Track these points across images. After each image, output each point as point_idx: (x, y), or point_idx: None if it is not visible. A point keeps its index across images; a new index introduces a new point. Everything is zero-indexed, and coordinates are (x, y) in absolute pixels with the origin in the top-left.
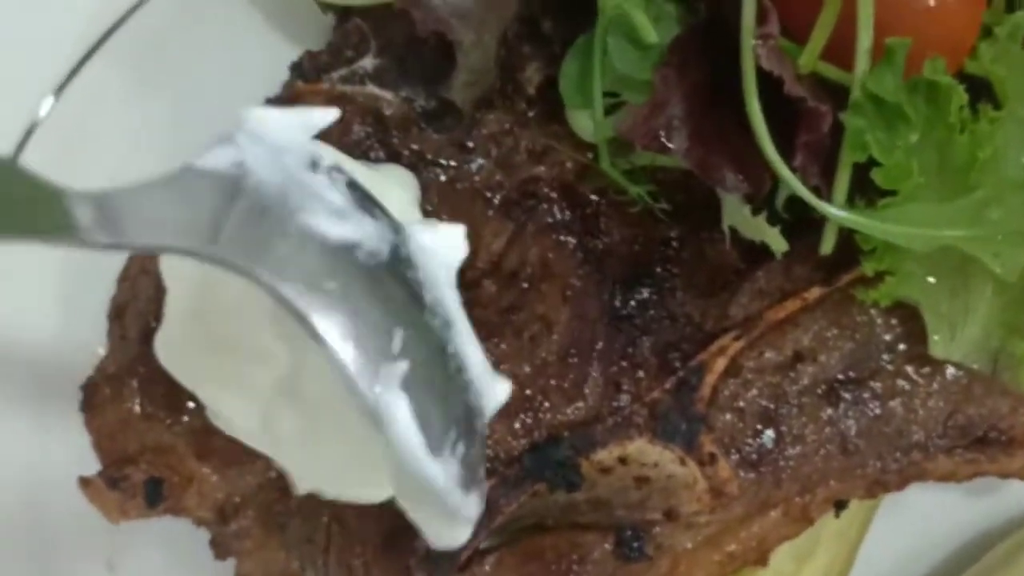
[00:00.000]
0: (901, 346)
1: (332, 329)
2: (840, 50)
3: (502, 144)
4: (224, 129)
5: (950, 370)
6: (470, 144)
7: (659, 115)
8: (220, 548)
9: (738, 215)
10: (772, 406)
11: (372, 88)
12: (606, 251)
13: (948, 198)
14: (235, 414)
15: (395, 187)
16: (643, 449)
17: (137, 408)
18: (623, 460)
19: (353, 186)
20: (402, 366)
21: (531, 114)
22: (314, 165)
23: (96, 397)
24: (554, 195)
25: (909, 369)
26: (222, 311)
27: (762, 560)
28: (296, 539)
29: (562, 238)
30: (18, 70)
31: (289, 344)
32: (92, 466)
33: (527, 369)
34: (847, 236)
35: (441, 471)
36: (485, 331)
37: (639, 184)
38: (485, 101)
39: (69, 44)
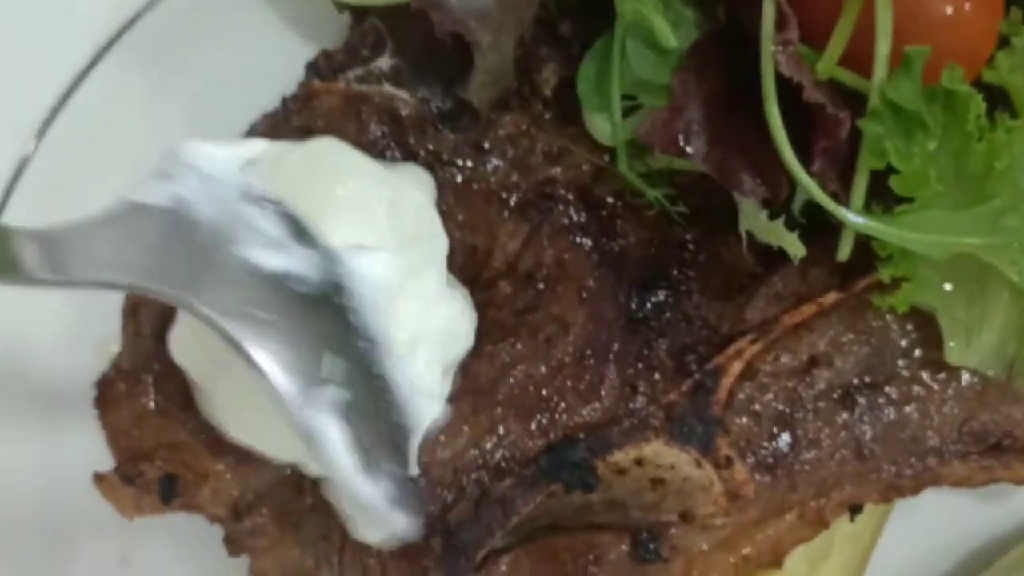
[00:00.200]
0: (916, 352)
1: (265, 357)
2: (857, 57)
3: (518, 145)
4: (160, 164)
5: (965, 376)
6: (486, 145)
7: (678, 119)
8: (234, 545)
9: (755, 219)
10: (788, 410)
11: (388, 88)
12: (622, 253)
13: (965, 206)
14: (243, 412)
15: (412, 187)
16: (659, 451)
17: (152, 405)
18: (639, 462)
19: (286, 215)
20: (331, 391)
21: (547, 116)
22: (246, 195)
23: (110, 393)
24: (570, 197)
25: (924, 375)
26: None
27: (777, 563)
28: (311, 537)
29: (578, 240)
30: (33, 69)
31: None
32: (105, 462)
33: (543, 370)
34: (863, 242)
35: (371, 488)
36: (501, 332)
37: (656, 187)
38: (501, 102)
39: (85, 43)
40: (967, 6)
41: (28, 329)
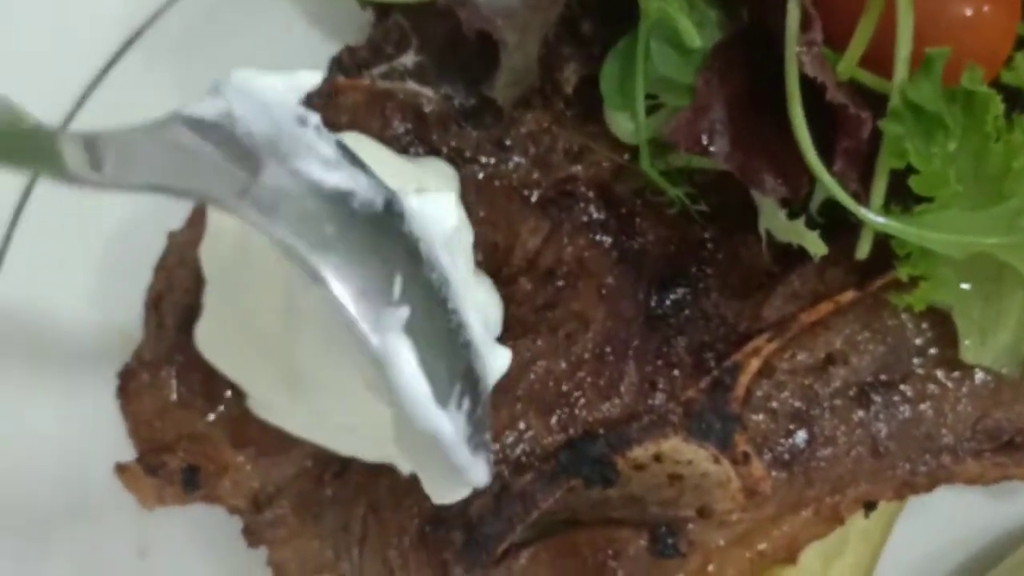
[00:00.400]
0: (931, 350)
1: (331, 271)
2: (876, 58)
3: (540, 143)
4: (211, 85)
5: (979, 375)
6: (508, 142)
7: (702, 119)
8: (253, 536)
9: (775, 219)
10: (804, 407)
11: (412, 85)
12: (641, 251)
13: (982, 206)
14: (275, 401)
15: (436, 180)
16: (678, 447)
17: (174, 396)
18: (658, 458)
19: (342, 146)
20: (404, 311)
21: (568, 114)
22: (302, 121)
23: (133, 384)
24: (591, 194)
25: (939, 373)
26: (261, 300)
27: (792, 559)
28: (331, 528)
29: (598, 237)
30: (58, 63)
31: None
32: (126, 453)
33: (563, 366)
34: (880, 241)
35: (448, 422)
36: (521, 328)
37: (677, 186)
38: (523, 100)
39: (108, 38)
40: (986, 8)
41: (50, 319)
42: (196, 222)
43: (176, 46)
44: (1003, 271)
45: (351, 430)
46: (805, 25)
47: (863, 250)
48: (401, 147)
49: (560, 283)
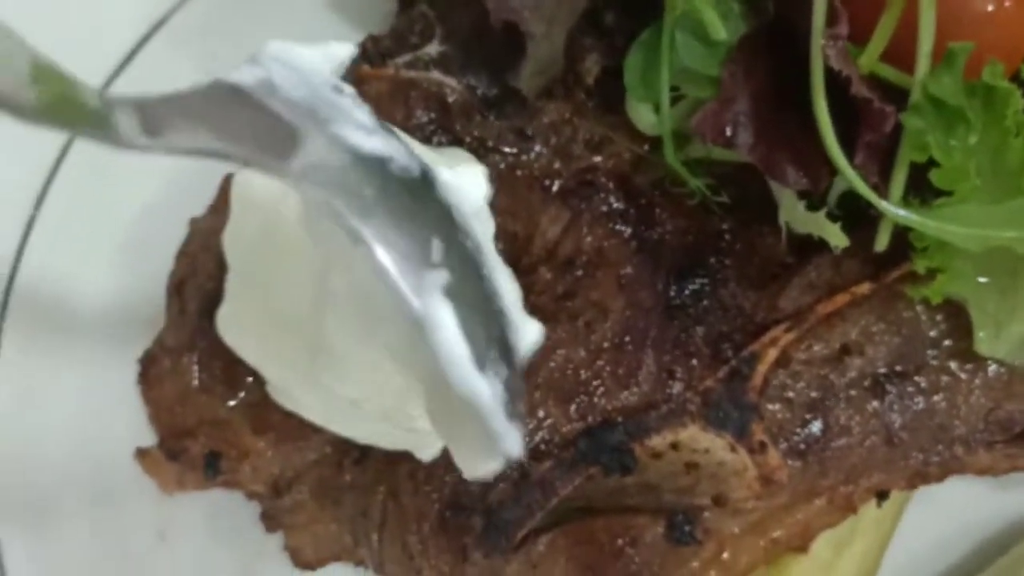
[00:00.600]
0: (946, 342)
1: (372, 232)
2: (897, 52)
3: (561, 133)
4: (249, 56)
5: (992, 367)
6: (530, 132)
7: (727, 111)
8: (272, 521)
9: (795, 211)
10: (820, 397)
11: (436, 74)
12: (660, 241)
13: (1001, 200)
14: (294, 388)
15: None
16: (695, 436)
17: (195, 382)
18: (675, 446)
19: (375, 117)
20: (443, 274)
21: (590, 104)
22: (338, 89)
23: (154, 370)
24: (611, 185)
25: (953, 365)
26: (283, 287)
27: (804, 547)
28: (350, 514)
29: (617, 227)
30: (79, 52)
31: (341, 316)
32: (146, 438)
33: (582, 354)
34: (896, 233)
35: (487, 386)
36: (540, 317)
37: (698, 177)
38: (546, 90)
39: (129, 27)
40: (1008, 3)
41: (72, 305)
42: (219, 208)
43: (201, 32)
44: (1020, 265)
45: (370, 418)
46: (831, 19)
47: (882, 242)
48: (424, 137)
49: (579, 272)
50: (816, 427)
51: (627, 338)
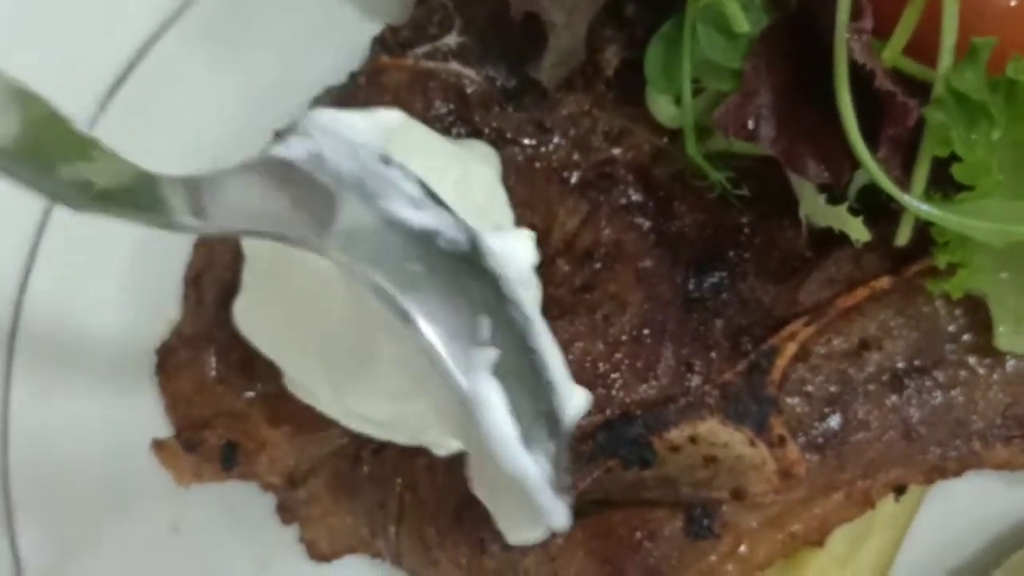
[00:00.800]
0: (964, 337)
1: (420, 311)
2: (919, 46)
3: (580, 125)
4: (297, 124)
5: (1011, 362)
6: (549, 124)
7: (749, 104)
8: (287, 514)
9: (815, 204)
10: (839, 391)
11: (456, 65)
12: (679, 234)
13: (1023, 195)
14: (310, 381)
15: (479, 163)
16: (714, 429)
17: (212, 373)
18: (693, 439)
19: (423, 185)
20: (491, 352)
21: (609, 96)
22: (386, 160)
23: (171, 361)
24: (630, 177)
25: (971, 360)
26: (300, 279)
27: (821, 541)
28: (367, 506)
29: (636, 220)
30: (100, 37)
31: (359, 314)
32: (157, 430)
33: (600, 347)
34: (917, 228)
35: (532, 464)
36: (559, 310)
37: (719, 170)
38: (565, 82)
39: (144, 18)
40: None
41: (88, 297)
42: None
43: (215, 24)
44: None
45: (385, 412)
46: (856, 13)
47: (903, 236)
48: (443, 127)
49: (598, 265)
50: (835, 421)
51: (646, 331)
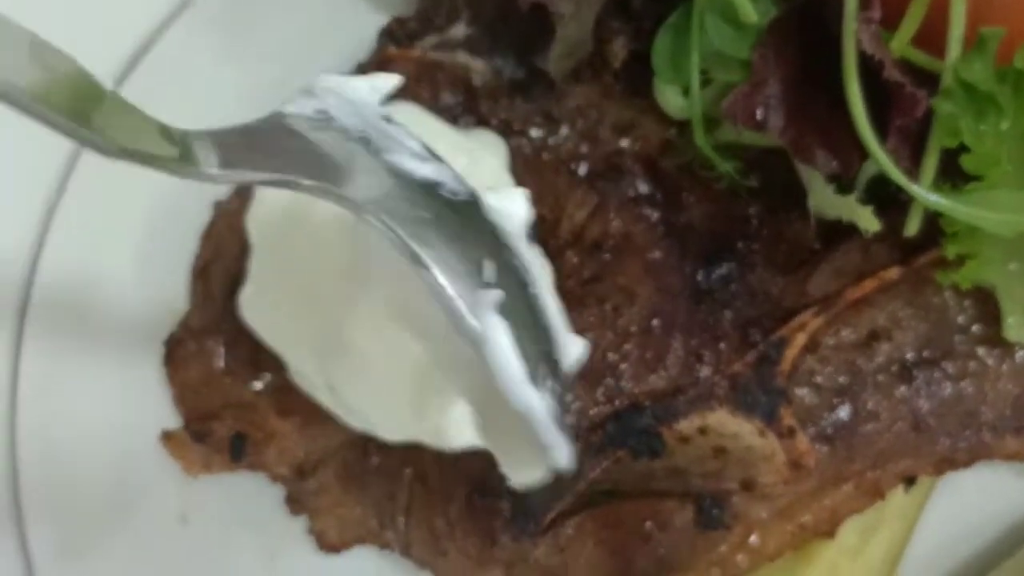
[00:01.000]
0: (974, 328)
1: (430, 254)
2: (927, 37)
3: (588, 116)
4: (303, 86)
5: (1020, 353)
6: (556, 115)
7: (758, 94)
8: (296, 505)
9: (824, 195)
10: (848, 382)
11: (463, 57)
12: (687, 226)
13: None
14: (310, 372)
15: (487, 151)
16: (723, 420)
17: (221, 364)
18: (703, 430)
19: (423, 143)
20: (496, 293)
21: (617, 88)
22: (388, 119)
23: (179, 352)
24: (638, 169)
25: (981, 351)
26: (305, 271)
27: (831, 532)
28: (376, 497)
29: (644, 211)
30: (107, 31)
31: (354, 309)
32: (166, 422)
33: (610, 338)
34: (926, 219)
35: (538, 399)
36: (568, 301)
37: (727, 161)
38: (573, 73)
39: (152, 8)
40: None
41: (95, 288)
42: (243, 190)
43: (224, 12)
44: None
45: (377, 407)
46: (864, 3)
47: (912, 227)
48: (451, 118)
49: (607, 256)
50: (844, 412)
51: (654, 322)
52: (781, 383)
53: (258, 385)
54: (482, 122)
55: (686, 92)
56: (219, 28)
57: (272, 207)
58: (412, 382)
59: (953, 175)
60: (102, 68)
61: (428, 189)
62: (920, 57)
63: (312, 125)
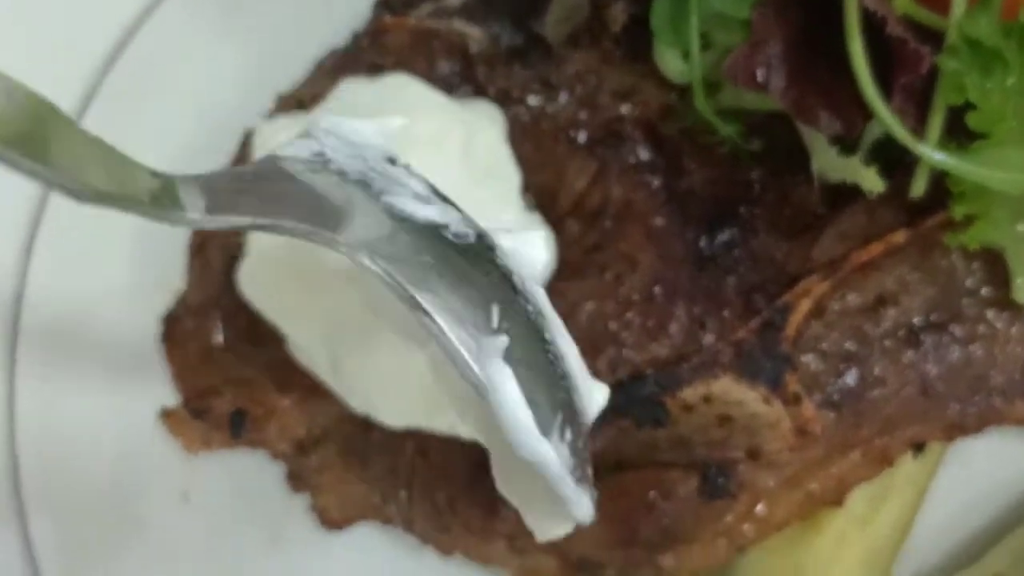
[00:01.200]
0: (982, 291)
1: (430, 300)
2: None
3: (587, 83)
4: (301, 129)
5: None
6: (555, 82)
7: (758, 54)
8: (298, 481)
9: (828, 157)
10: (855, 348)
11: (459, 24)
12: (689, 192)
13: None
14: (312, 348)
15: (484, 123)
16: (728, 388)
17: (219, 340)
18: (707, 398)
19: (429, 183)
20: (503, 339)
21: (616, 53)
22: (392, 161)
23: (177, 329)
24: (638, 135)
25: (990, 314)
26: (306, 246)
27: (839, 501)
28: (378, 472)
29: (646, 178)
30: (102, 6)
31: (358, 283)
32: (167, 401)
33: (612, 306)
34: (932, 180)
35: (552, 452)
36: (569, 270)
37: (729, 125)
38: (571, 39)
39: None
40: None
41: (93, 272)
42: (241, 163)
43: None
44: None
45: (382, 391)
46: None
47: (918, 187)
48: (447, 87)
49: (608, 224)
50: (851, 378)
51: (657, 289)
52: (786, 349)
53: (257, 360)
54: (479, 90)
55: (686, 56)
56: (212, 3)
57: None
58: (425, 374)
59: (959, 134)
60: (96, 47)
61: (431, 232)
62: (923, 14)
63: (308, 167)
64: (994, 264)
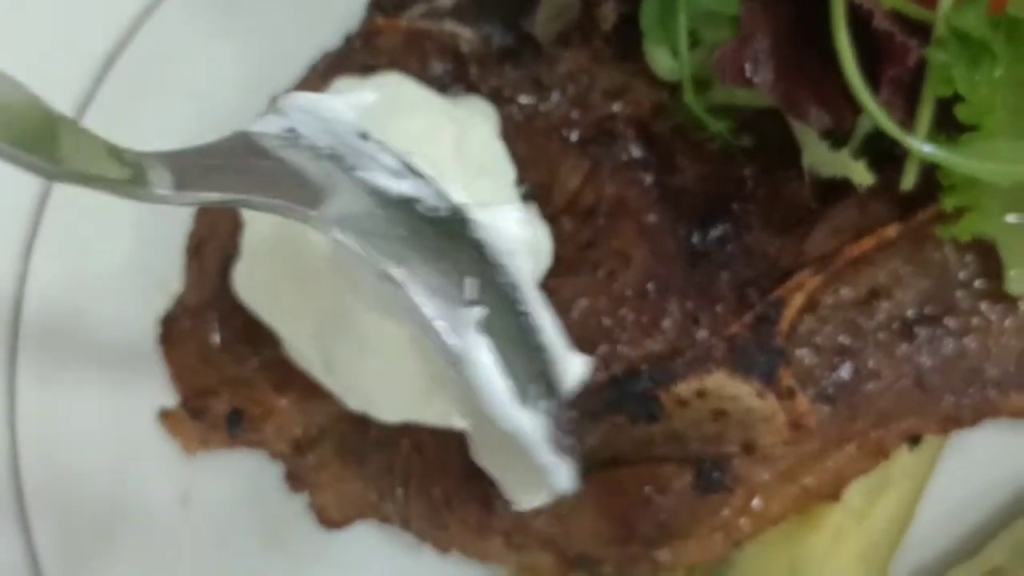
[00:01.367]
0: (976, 283)
1: (404, 272)
2: None
3: (579, 81)
4: (271, 105)
5: (1023, 307)
6: (547, 82)
7: (746, 49)
8: (296, 481)
9: (818, 151)
10: (849, 341)
11: (451, 24)
12: (681, 188)
13: None
14: (306, 348)
15: (477, 120)
16: (722, 382)
17: (216, 341)
18: (701, 393)
19: (402, 158)
20: (477, 311)
21: (607, 51)
22: (364, 136)
23: (175, 330)
24: (630, 133)
25: (983, 306)
26: (298, 246)
27: (836, 495)
28: (375, 470)
29: (638, 175)
30: (95, 12)
31: (350, 287)
32: (165, 403)
33: (605, 303)
34: (923, 173)
35: (529, 420)
36: (563, 267)
37: (721, 121)
38: (562, 37)
39: None
40: None
41: (90, 274)
42: None
43: None
44: None
45: (377, 387)
46: None
47: (908, 180)
48: (440, 87)
49: (601, 221)
50: (845, 371)
51: (650, 286)
52: (780, 343)
53: (254, 361)
54: (472, 90)
55: (676, 53)
56: (212, 3)
57: None
58: (417, 365)
59: (948, 127)
60: (96, 47)
61: (404, 205)
62: (910, 7)
63: (279, 143)
64: (987, 256)
